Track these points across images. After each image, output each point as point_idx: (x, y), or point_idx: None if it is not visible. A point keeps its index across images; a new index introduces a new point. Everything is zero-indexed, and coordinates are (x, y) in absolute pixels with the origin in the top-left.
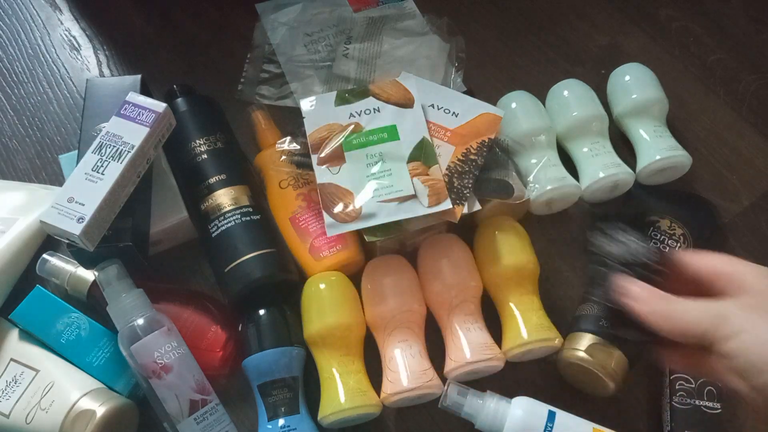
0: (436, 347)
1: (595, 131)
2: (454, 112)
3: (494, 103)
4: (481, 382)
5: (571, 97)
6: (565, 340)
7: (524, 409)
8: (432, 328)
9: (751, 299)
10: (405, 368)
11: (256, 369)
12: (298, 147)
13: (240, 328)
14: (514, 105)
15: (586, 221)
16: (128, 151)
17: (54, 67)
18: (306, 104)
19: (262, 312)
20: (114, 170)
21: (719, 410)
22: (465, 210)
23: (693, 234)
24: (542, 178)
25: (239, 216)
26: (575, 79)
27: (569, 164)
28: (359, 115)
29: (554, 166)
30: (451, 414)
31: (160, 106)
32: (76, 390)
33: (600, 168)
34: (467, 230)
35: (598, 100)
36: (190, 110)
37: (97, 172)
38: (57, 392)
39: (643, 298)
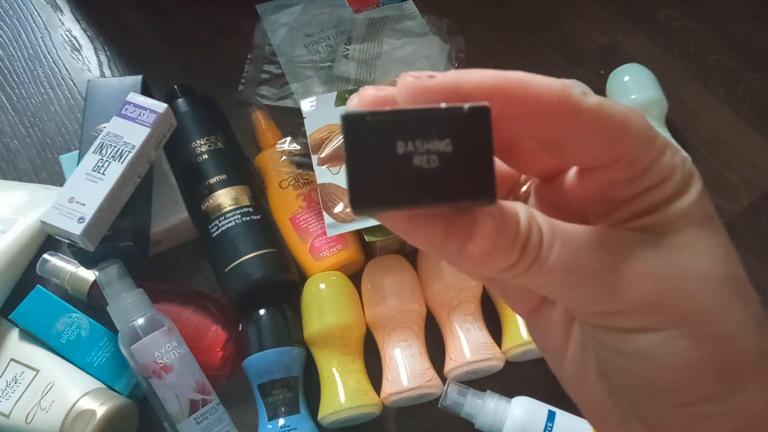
0: (436, 347)
1: None
2: None
3: None
4: (481, 382)
5: None
6: None
7: (524, 409)
8: (432, 328)
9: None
10: (405, 368)
11: (256, 369)
12: (299, 147)
13: (240, 328)
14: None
15: None
16: (129, 152)
17: (55, 67)
18: (306, 105)
19: (262, 312)
20: (115, 170)
21: None
22: None
23: None
24: None
25: (239, 216)
26: (575, 79)
27: None
28: None
29: None
30: (451, 414)
31: (160, 106)
32: (76, 390)
33: None
34: None
35: None
36: (191, 110)
37: (98, 172)
38: (57, 392)
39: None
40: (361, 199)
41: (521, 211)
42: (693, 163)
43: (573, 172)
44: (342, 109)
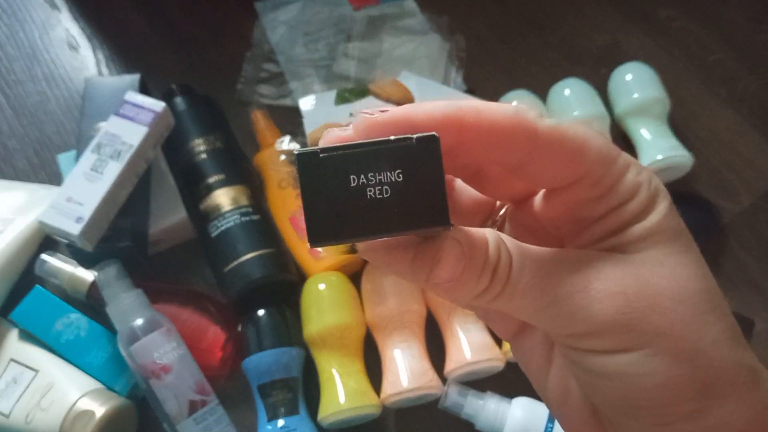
0: (436, 347)
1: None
2: None
3: None
4: (481, 383)
5: (572, 96)
6: None
7: (524, 410)
8: (432, 329)
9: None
10: (405, 369)
11: (255, 369)
12: (298, 146)
13: (239, 329)
14: (514, 104)
15: None
16: (127, 151)
17: (53, 66)
18: (305, 103)
19: (261, 312)
20: (113, 170)
21: None
22: None
23: (693, 234)
24: None
25: (239, 216)
26: (576, 78)
27: None
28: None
29: None
30: (452, 414)
31: (158, 105)
32: (76, 390)
33: None
34: None
35: (599, 99)
36: (189, 110)
37: (96, 171)
38: (56, 392)
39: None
40: (317, 233)
41: (489, 236)
42: (693, 163)
43: (541, 194)
44: (341, 109)
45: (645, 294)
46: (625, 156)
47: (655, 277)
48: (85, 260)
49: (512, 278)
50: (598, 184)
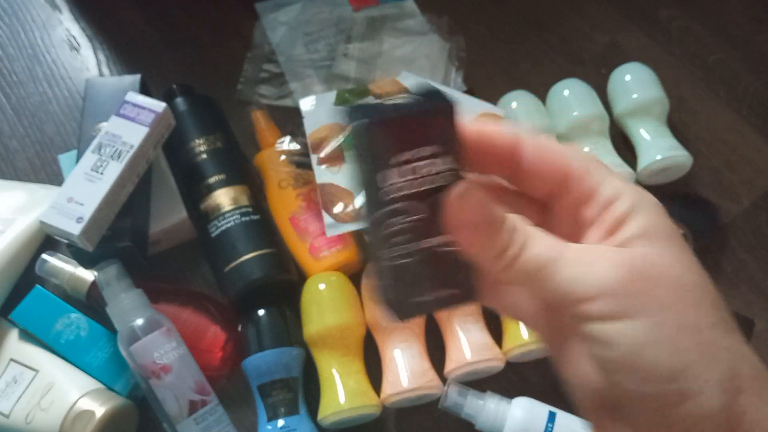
0: (436, 347)
1: (596, 131)
2: None
3: (494, 103)
4: (481, 383)
5: (572, 96)
6: None
7: (524, 410)
8: (432, 329)
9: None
10: (405, 369)
11: (255, 369)
12: (298, 147)
13: (239, 329)
14: (514, 104)
15: None
16: (128, 151)
17: (54, 66)
18: (306, 104)
19: (261, 312)
20: (113, 170)
21: None
22: None
23: (694, 234)
24: None
25: (239, 216)
26: (576, 78)
27: None
28: None
29: None
30: (452, 414)
31: (159, 105)
32: (76, 390)
33: None
34: None
35: (599, 99)
36: (190, 110)
37: (97, 171)
38: (56, 392)
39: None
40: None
41: (507, 214)
42: (693, 163)
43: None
44: (341, 110)
45: (648, 273)
46: (605, 167)
47: (656, 265)
48: (85, 260)
49: (529, 242)
50: (580, 191)
